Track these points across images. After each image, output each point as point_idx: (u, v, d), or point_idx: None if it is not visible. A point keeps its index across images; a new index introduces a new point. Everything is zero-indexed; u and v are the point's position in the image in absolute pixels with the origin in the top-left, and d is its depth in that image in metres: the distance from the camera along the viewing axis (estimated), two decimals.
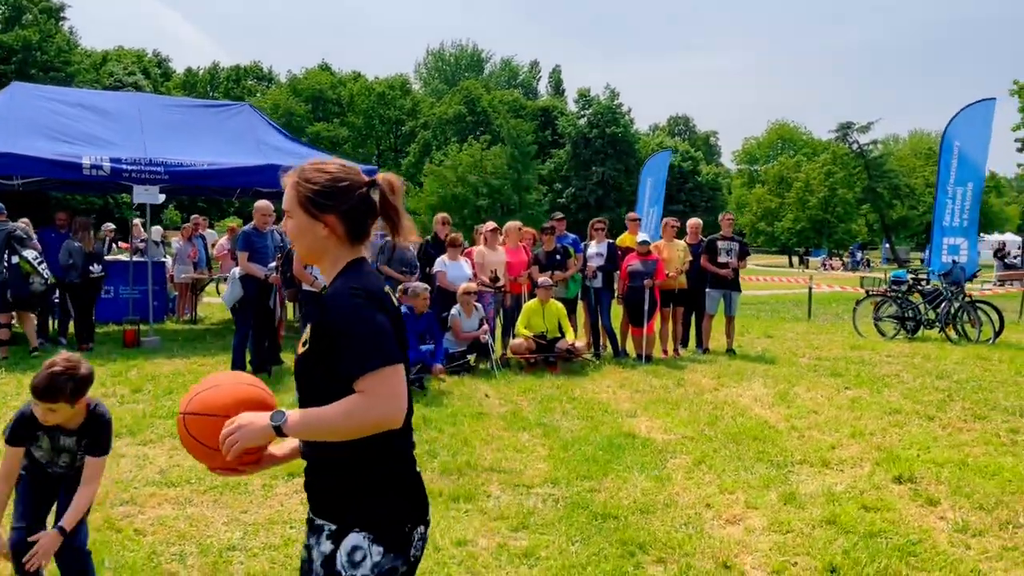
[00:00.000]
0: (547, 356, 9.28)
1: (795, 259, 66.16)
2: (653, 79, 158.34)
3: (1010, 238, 55.89)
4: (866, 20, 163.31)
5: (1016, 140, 30.01)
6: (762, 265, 62.53)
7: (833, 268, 52.80)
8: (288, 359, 9.14)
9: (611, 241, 10.31)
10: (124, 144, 10.53)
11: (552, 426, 6.77)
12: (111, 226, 15.04)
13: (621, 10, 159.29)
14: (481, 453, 5.91)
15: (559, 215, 10.73)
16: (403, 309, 8.16)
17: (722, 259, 10.50)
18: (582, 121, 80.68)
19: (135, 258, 12.81)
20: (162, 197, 13.00)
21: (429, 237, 10.20)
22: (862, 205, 68.68)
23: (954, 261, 12.23)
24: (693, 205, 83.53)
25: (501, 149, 62.23)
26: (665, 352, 10.53)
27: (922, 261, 50.74)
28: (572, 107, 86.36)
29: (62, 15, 60.05)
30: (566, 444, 6.21)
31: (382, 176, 2.06)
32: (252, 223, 8.58)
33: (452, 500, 4.89)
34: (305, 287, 7.59)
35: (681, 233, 11.01)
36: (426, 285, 8.40)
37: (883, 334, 12.49)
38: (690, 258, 10.46)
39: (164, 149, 10.71)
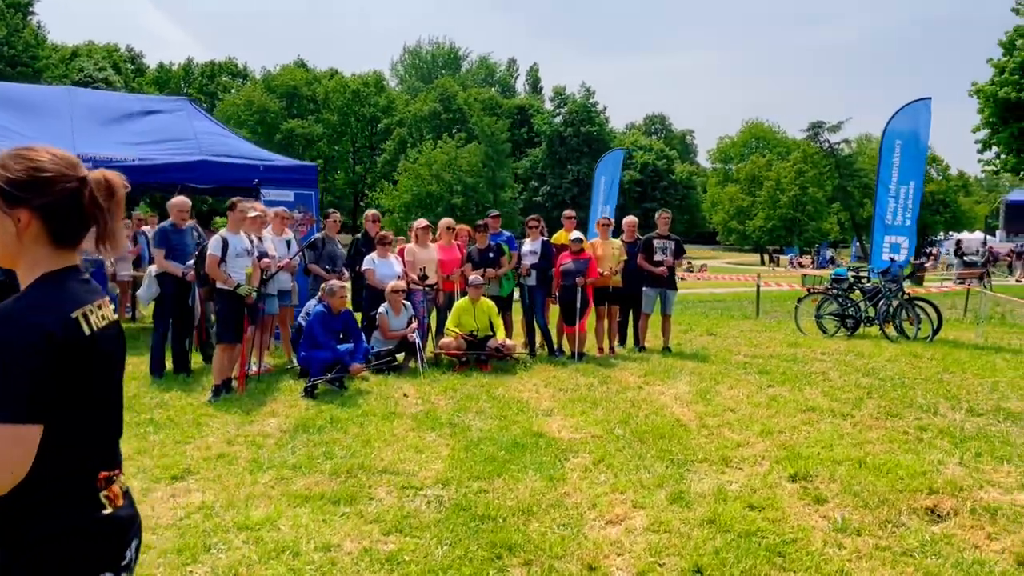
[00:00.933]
0: (477, 355, 9.21)
1: (766, 257, 66.56)
2: (631, 78, 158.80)
3: (977, 236, 56.60)
4: (842, 20, 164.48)
5: (976, 141, 30.14)
6: (734, 263, 62.97)
7: (802, 266, 53.12)
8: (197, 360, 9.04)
9: (546, 239, 10.25)
10: (50, 139, 10.30)
11: (462, 426, 6.71)
12: None
13: (601, 8, 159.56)
14: (379, 454, 5.83)
15: (494, 212, 10.66)
16: (320, 308, 8.07)
17: (658, 257, 10.48)
18: (557, 119, 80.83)
19: None
20: None
21: (359, 235, 10.08)
22: (832, 203, 69.17)
23: (892, 259, 12.28)
24: (667, 203, 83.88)
25: (476, 147, 62.15)
26: (601, 350, 10.49)
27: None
28: (549, 106, 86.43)
29: (30, 10, 59.34)
30: (470, 444, 6.14)
31: (98, 174, 1.81)
32: (169, 220, 8.43)
33: (332, 503, 4.81)
34: (219, 285, 7.46)
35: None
36: (343, 283, 8.31)
37: (824, 331, 12.53)
38: (625, 257, 10.42)
39: (94, 144, 10.53)
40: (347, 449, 5.92)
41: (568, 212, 10.71)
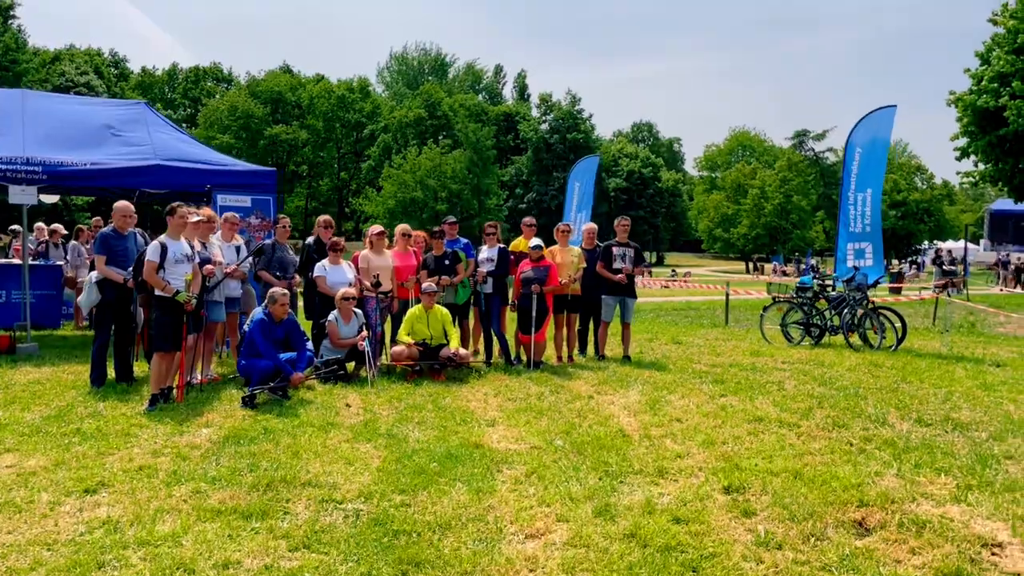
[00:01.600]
0: (430, 363, 9.06)
1: (751, 265, 66.65)
2: (620, 85, 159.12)
3: (959, 245, 56.76)
4: (831, 28, 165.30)
5: (955, 149, 30.21)
6: (718, 271, 62.98)
7: (786, 274, 53.17)
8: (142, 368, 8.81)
9: (503, 246, 10.12)
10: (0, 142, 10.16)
11: (400, 436, 6.56)
12: (17, 228, 14.61)
13: (589, 16, 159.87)
14: (307, 466, 5.68)
15: (451, 219, 10.52)
16: (260, 315, 7.92)
17: (617, 265, 10.37)
18: (544, 126, 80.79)
19: (32, 261, 12.40)
20: (54, 198, 12.66)
21: (311, 240, 9.93)
22: (817, 212, 69.36)
23: (855, 267, 12.22)
24: (653, 211, 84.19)
25: (461, 153, 62.04)
26: (560, 359, 10.37)
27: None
28: (536, 113, 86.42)
29: (11, 13, 58.92)
30: (403, 456, 6.00)
31: None
32: (111, 225, 8.26)
33: (243, 518, 4.65)
34: (157, 292, 7.29)
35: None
36: (285, 291, 8.14)
37: (789, 340, 12.46)
38: (584, 264, 10.30)
39: (45, 148, 10.35)
40: (274, 461, 5.76)
41: (528, 219, 10.59)
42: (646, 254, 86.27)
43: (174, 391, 7.58)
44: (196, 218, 8.11)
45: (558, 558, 4.26)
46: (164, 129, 11.91)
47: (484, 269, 9.89)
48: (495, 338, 10.13)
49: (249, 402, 7.30)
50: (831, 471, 5.70)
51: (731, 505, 5.07)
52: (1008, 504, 5.05)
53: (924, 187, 75.21)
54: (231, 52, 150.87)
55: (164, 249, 7.33)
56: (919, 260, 60.00)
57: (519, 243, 10.44)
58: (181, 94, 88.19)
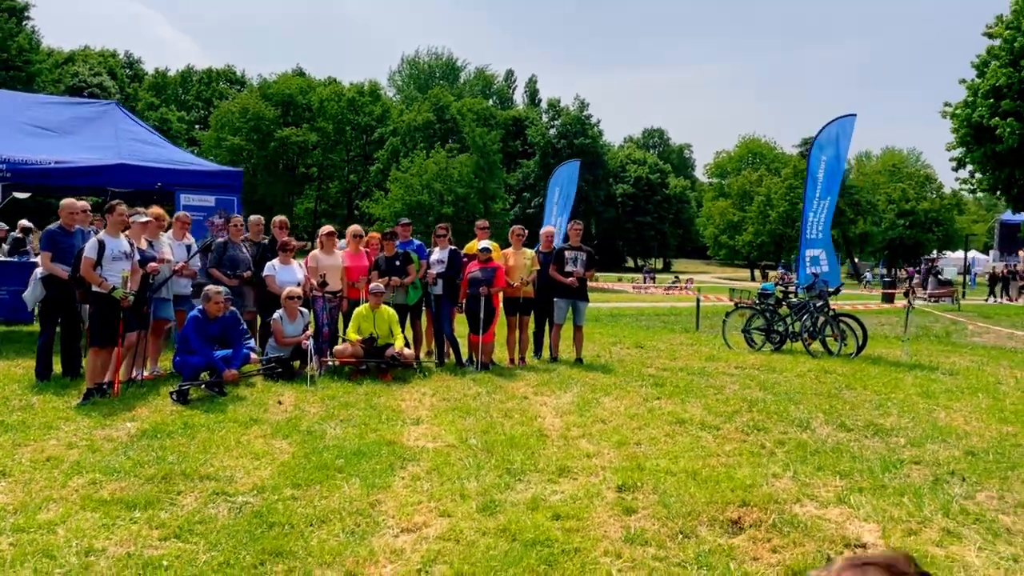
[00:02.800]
0: (376, 362, 9.16)
1: (757, 272, 66.47)
2: (632, 91, 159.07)
3: (958, 256, 56.40)
4: (851, 36, 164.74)
5: (951, 159, 30.09)
6: (723, 278, 62.88)
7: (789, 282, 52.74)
8: None
9: (454, 248, 10.23)
10: None
11: (318, 433, 6.65)
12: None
13: (602, 22, 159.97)
14: (212, 460, 5.79)
15: (405, 220, 10.64)
16: (194, 312, 8.05)
17: (568, 268, 10.45)
18: (551, 132, 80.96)
19: (2, 258, 12.61)
20: (26, 195, 12.84)
21: (266, 239, 10.07)
22: None
23: (814, 274, 12.24)
24: (660, 217, 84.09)
25: (467, 157, 62.22)
26: (512, 361, 10.45)
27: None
28: (544, 118, 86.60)
29: (26, 15, 59.59)
30: (312, 452, 6.09)
31: None
32: (58, 222, 8.42)
33: (128, 508, 4.76)
34: (94, 288, 7.44)
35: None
36: (219, 288, 8.24)
37: (751, 345, 12.49)
38: (538, 267, 10.39)
39: (9, 146, 10.55)
40: (181, 455, 5.87)
41: (481, 222, 10.70)
42: (652, 260, 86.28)
43: (111, 386, 7.71)
44: (144, 219, 8.27)
45: (423, 550, 4.34)
46: (132, 129, 12.09)
47: (434, 271, 10.00)
48: (446, 339, 10.22)
49: (180, 397, 7.42)
50: (730, 472, 5.77)
51: (616, 503, 5.14)
52: (890, 507, 5.10)
53: (933, 196, 74.82)
54: (246, 55, 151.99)
55: (102, 246, 7.48)
56: (917, 270, 59.50)
57: (472, 246, 10.53)
58: (194, 96, 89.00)
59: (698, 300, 16.88)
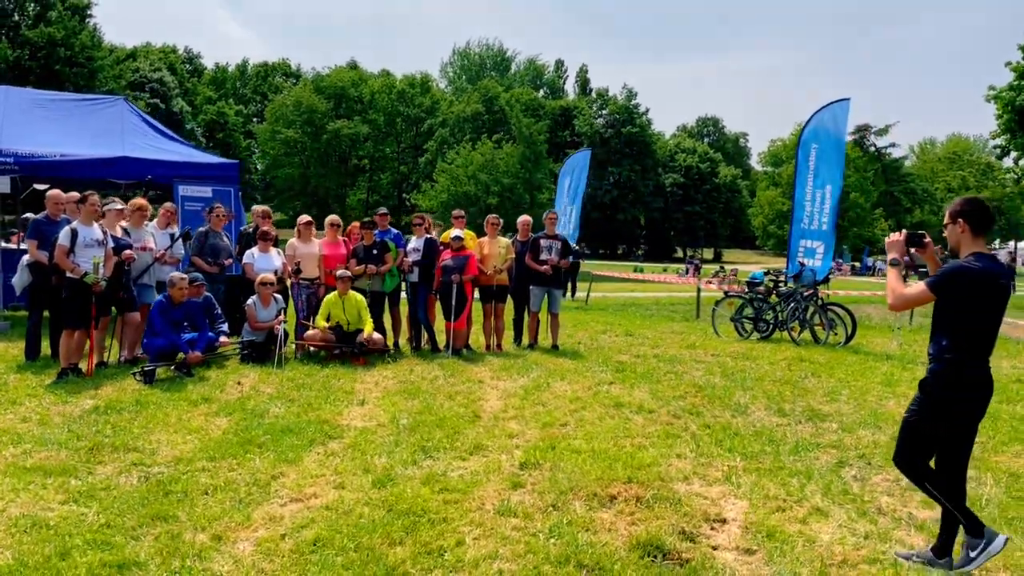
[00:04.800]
0: (338, 347, 9.47)
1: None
2: (687, 79, 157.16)
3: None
4: (912, 19, 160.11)
5: (995, 147, 29.24)
6: (772, 268, 61.82)
7: (842, 272, 51.99)
8: None
9: (429, 236, 10.49)
10: None
11: (260, 412, 6.98)
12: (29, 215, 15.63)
13: (659, 9, 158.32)
14: (146, 435, 6.14)
15: (382, 210, 10.94)
16: (160, 298, 8.47)
17: (543, 257, 10.63)
18: (599, 121, 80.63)
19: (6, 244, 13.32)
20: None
21: (249, 228, 10.49)
22: (876, 209, 67.43)
23: (802, 264, 12.18)
24: (710, 207, 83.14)
25: (513, 148, 62.46)
26: (488, 347, 10.68)
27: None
28: (594, 108, 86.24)
29: (88, 12, 61.57)
30: (244, 429, 6.40)
31: None
32: (44, 212, 8.93)
33: (45, 475, 5.10)
34: (68, 275, 7.91)
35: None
36: (183, 275, 8.65)
37: (741, 334, 12.50)
38: (513, 255, 10.60)
39: (18, 139, 11.17)
40: (120, 429, 6.26)
41: (457, 212, 10.93)
42: (700, 250, 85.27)
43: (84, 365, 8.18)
44: (118, 206, 8.73)
45: (298, 518, 4.62)
46: (138, 123, 12.64)
47: (410, 259, 10.28)
48: (422, 325, 10.51)
49: (144, 378, 7.84)
50: (635, 452, 5.93)
51: (509, 478, 5.35)
52: (773, 486, 5.22)
53: (995, 184, 72.41)
54: (301, 49, 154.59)
55: (75, 234, 7.95)
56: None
57: (446, 235, 10.78)
58: (252, 89, 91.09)
59: (699, 289, 16.85)
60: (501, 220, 10.87)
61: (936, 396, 4.04)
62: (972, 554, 3.98)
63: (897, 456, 4.20)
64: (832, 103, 12.39)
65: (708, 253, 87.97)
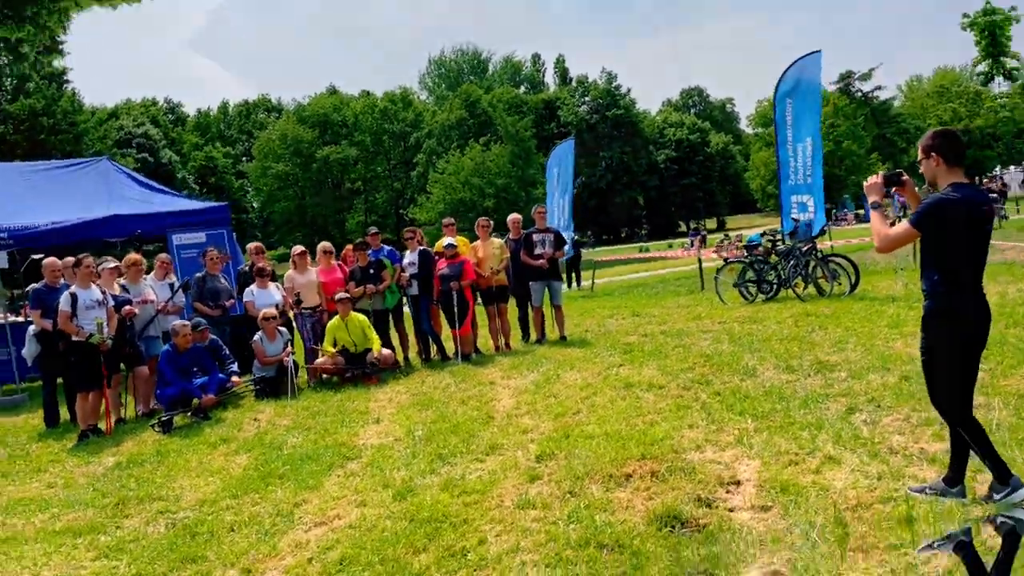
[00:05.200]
0: (349, 370, 9.55)
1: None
2: (667, 55, 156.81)
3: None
4: None
5: (978, 75, 29.13)
6: (776, 229, 61.59)
7: (847, 222, 51.61)
8: None
9: (423, 248, 10.59)
10: None
11: (277, 444, 7.08)
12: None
13: None
14: (169, 483, 6.26)
15: (373, 230, 11.04)
16: (166, 347, 8.58)
17: (537, 251, 10.69)
18: (582, 108, 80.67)
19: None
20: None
21: (246, 267, 10.61)
22: (872, 154, 67.09)
23: (795, 220, 12.20)
24: (706, 177, 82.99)
25: (502, 148, 62.56)
26: (497, 348, 10.76)
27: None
28: (575, 96, 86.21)
29: (65, 79, 61.98)
30: (264, 463, 6.50)
31: None
32: (43, 281, 9.07)
33: (74, 536, 5.23)
34: (74, 339, 8.04)
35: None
36: (185, 322, 8.78)
37: (746, 298, 12.52)
38: (507, 255, 10.67)
39: (11, 215, 11.34)
40: (143, 481, 6.37)
41: (447, 220, 11.03)
42: (703, 221, 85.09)
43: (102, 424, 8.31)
44: (112, 264, 8.87)
45: (325, 541, 4.71)
46: (122, 181, 12.80)
47: (408, 273, 10.38)
48: (428, 336, 10.60)
49: (163, 427, 7.96)
50: (649, 430, 5.97)
51: (526, 472, 5.41)
52: (784, 442, 5.26)
53: (986, 112, 71.65)
54: (279, 82, 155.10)
55: (74, 298, 8.07)
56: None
57: (440, 244, 10.88)
58: (236, 129, 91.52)
59: (700, 260, 16.87)
60: (491, 221, 10.95)
61: (936, 330, 4.08)
62: (997, 497, 4.00)
63: (932, 398, 4.25)
64: (803, 57, 12.40)
65: (711, 223, 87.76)
